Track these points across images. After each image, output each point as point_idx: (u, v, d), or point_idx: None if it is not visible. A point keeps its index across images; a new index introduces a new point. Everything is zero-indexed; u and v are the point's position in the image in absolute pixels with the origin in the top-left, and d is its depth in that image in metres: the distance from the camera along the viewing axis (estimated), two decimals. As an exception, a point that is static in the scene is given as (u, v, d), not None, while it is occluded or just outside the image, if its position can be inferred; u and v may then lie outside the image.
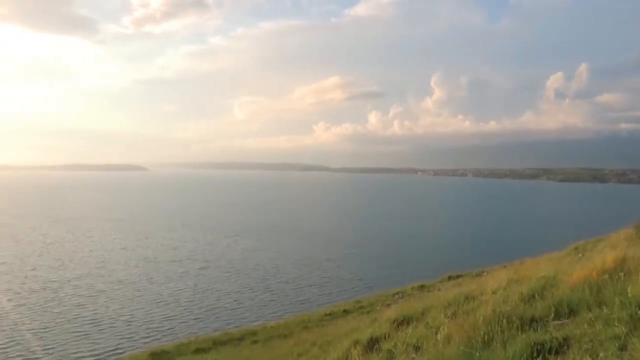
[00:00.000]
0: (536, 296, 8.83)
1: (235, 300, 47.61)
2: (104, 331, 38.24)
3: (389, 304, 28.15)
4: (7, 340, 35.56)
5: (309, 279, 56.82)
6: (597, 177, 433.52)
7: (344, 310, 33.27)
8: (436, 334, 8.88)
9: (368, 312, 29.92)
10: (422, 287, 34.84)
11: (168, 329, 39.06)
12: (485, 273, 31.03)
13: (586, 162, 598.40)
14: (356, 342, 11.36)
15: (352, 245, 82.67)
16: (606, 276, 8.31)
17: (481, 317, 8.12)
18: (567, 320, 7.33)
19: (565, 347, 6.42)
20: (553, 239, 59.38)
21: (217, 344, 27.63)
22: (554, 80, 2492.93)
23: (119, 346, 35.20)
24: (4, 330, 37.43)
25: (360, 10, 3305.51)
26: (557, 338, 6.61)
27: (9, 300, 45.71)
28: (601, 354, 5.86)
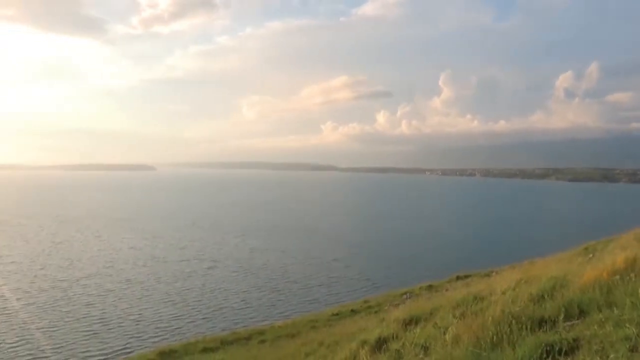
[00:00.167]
0: (546, 297, 8.75)
1: (242, 300, 47.69)
2: (112, 330, 38.44)
3: (397, 304, 28.08)
4: (17, 338, 35.83)
5: (317, 279, 56.80)
6: (608, 176, 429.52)
7: (352, 310, 33.25)
8: (444, 334, 8.82)
9: (376, 312, 29.89)
10: (430, 287, 34.77)
11: (176, 328, 39.19)
12: (494, 273, 30.89)
13: (596, 161, 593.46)
14: (364, 342, 11.32)
15: (359, 245, 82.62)
16: (617, 277, 8.23)
17: (490, 318, 8.05)
18: (577, 321, 7.25)
19: (575, 348, 6.36)
20: (563, 239, 59.05)
21: (225, 343, 27.68)
22: (564, 80, 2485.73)
23: (127, 345, 35.36)
24: (14, 329, 37.72)
25: (368, 9, 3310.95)
26: (567, 339, 6.54)
27: (19, 299, 46.06)
28: (612, 356, 5.79)
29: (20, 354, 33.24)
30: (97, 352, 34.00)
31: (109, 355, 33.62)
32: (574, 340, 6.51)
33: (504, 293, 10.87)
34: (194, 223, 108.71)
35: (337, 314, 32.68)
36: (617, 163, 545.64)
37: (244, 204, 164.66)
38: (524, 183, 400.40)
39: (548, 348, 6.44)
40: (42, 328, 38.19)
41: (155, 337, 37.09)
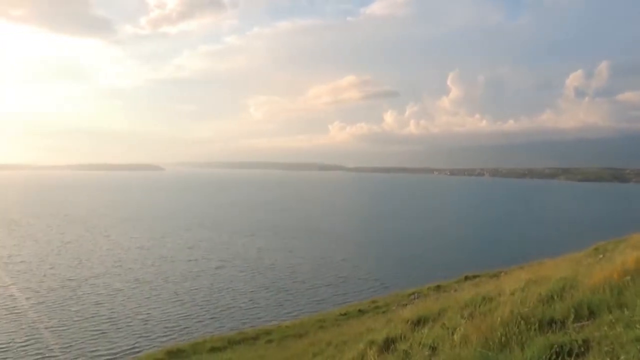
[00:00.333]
0: (555, 297, 8.69)
1: (250, 300, 47.75)
2: (121, 330, 38.59)
3: (405, 304, 27.96)
4: (26, 338, 36.06)
5: (325, 279, 56.76)
6: (618, 176, 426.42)
7: (360, 310, 33.17)
8: (453, 334, 8.78)
9: (384, 312, 29.78)
10: (438, 287, 34.60)
11: (184, 327, 39.30)
12: (502, 274, 30.70)
13: (606, 161, 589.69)
14: (372, 342, 11.31)
15: (367, 245, 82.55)
16: (627, 278, 8.17)
17: (499, 318, 8.01)
18: (587, 322, 7.19)
19: (585, 350, 6.31)
20: (572, 239, 58.74)
21: (232, 343, 27.69)
22: (574, 78, 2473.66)
23: (135, 345, 35.49)
24: (23, 328, 37.98)
25: (376, 8, 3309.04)
26: (576, 340, 6.49)
27: (28, 298, 46.36)
28: (622, 357, 5.74)
29: (29, 353, 33.44)
30: (106, 352, 34.14)
31: (118, 355, 33.76)
32: (584, 341, 6.46)
33: (512, 294, 10.81)
34: (202, 222, 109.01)
35: (344, 314, 32.62)
36: (627, 163, 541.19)
37: (250, 204, 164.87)
38: (533, 183, 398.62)
39: (557, 349, 6.39)
40: (51, 327, 38.42)
41: (164, 336, 37.20)
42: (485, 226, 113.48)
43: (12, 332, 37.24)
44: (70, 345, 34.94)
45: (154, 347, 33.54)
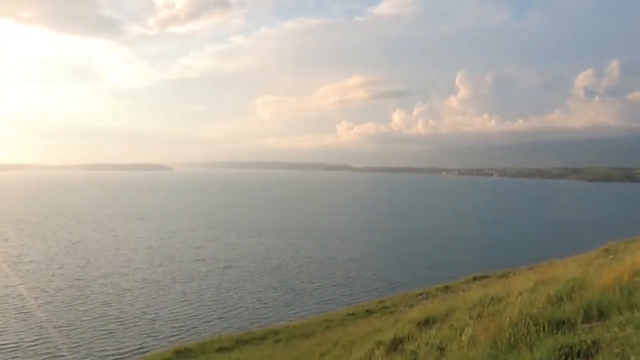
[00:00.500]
0: (564, 298, 8.61)
1: (258, 300, 47.83)
2: (129, 329, 38.77)
3: (412, 305, 27.86)
4: (34, 337, 36.31)
5: (332, 279, 56.75)
6: (629, 176, 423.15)
7: (367, 311, 33.13)
8: (461, 335, 8.73)
9: (391, 312, 29.74)
10: (446, 287, 34.49)
11: (192, 327, 39.42)
12: (511, 274, 30.54)
13: (617, 161, 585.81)
14: (379, 343, 11.28)
15: (375, 245, 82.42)
16: (638, 278, 8.09)
17: (507, 319, 7.94)
18: (596, 323, 7.12)
19: (595, 351, 6.25)
20: (582, 240, 58.33)
21: (240, 343, 27.72)
22: (584, 78, 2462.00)
23: (143, 344, 35.64)
24: (32, 328, 38.24)
25: (383, 8, 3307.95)
26: (586, 341, 6.43)
27: (37, 298, 46.69)
28: (632, 358, 5.67)
29: (38, 352, 33.67)
30: (114, 351, 34.31)
31: (126, 354, 33.91)
32: (593, 342, 6.40)
33: (521, 294, 10.71)
34: (209, 222, 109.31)
35: (352, 314, 32.61)
36: (638, 162, 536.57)
37: (257, 204, 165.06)
38: (542, 183, 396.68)
39: (566, 350, 6.34)
40: (60, 327, 38.66)
41: (171, 336, 37.33)
42: (493, 227, 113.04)
43: (21, 331, 37.53)
44: (79, 345, 35.15)
45: (162, 346, 33.66)
